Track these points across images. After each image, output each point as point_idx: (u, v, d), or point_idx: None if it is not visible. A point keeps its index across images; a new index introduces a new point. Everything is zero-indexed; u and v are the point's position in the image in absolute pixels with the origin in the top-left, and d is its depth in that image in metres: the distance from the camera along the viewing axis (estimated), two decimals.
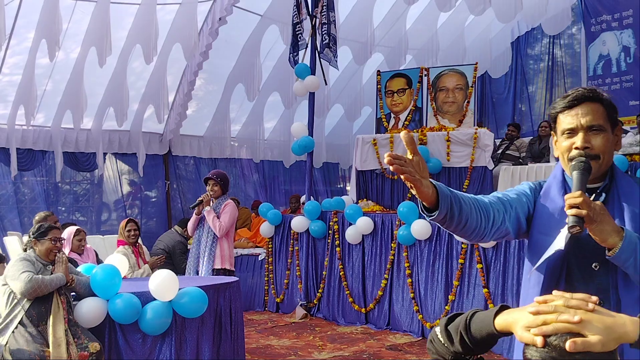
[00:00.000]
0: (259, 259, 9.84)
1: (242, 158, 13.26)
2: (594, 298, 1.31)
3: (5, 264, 5.75)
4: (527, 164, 9.33)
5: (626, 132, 9.16)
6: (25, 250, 5.01)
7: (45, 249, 4.83)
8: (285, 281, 9.36)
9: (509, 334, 1.41)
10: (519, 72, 14.59)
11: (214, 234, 7.02)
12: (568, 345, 1.25)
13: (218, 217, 7.03)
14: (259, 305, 9.65)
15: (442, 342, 1.51)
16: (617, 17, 12.90)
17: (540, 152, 10.29)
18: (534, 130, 12.31)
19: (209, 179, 7.23)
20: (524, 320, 1.35)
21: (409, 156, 1.91)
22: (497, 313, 1.43)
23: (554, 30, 13.59)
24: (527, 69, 14.71)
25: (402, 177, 1.86)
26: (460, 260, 7.42)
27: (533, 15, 13.15)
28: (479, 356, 1.51)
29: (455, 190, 2.11)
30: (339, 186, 14.65)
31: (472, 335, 1.46)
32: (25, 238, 5.18)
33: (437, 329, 1.54)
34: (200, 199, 7.11)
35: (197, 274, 7.09)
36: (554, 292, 1.37)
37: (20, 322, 4.57)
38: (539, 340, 1.30)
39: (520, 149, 10.74)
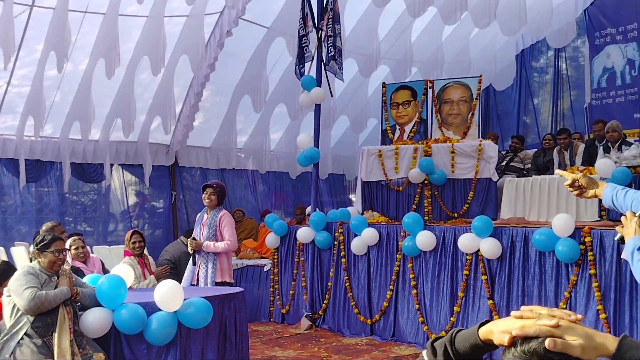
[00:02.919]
0: (265, 270, 9.82)
1: (248, 169, 13.26)
2: (579, 316, 1.30)
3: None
4: (531, 176, 9.29)
5: (630, 144, 9.12)
6: (31, 260, 4.99)
7: (48, 261, 4.78)
8: (291, 292, 9.32)
9: (494, 345, 1.38)
10: (523, 85, 14.62)
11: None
12: (547, 342, 1.24)
13: (221, 232, 7.01)
14: (264, 316, 9.62)
15: None
16: (621, 31, 12.91)
17: (544, 165, 10.26)
18: (538, 142, 12.25)
19: (209, 186, 7.18)
20: (505, 324, 1.33)
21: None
22: (482, 324, 1.40)
23: (558, 43, 13.60)
24: (531, 82, 14.73)
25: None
26: (465, 272, 7.40)
27: (538, 28, 13.16)
28: None
29: None
30: (344, 197, 14.62)
31: (456, 347, 1.43)
32: (32, 249, 5.15)
33: (423, 353, 1.50)
34: (191, 251, 7.11)
35: (192, 282, 7.06)
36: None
37: (26, 334, 4.53)
38: (506, 339, 1.29)
39: (524, 161, 10.72)
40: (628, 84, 12.76)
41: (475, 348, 1.41)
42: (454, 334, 1.45)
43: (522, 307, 1.35)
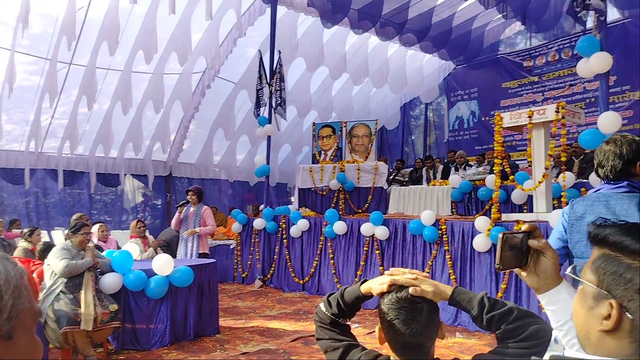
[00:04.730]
0: (231, 247, 9.71)
1: (221, 179, 13.11)
2: (427, 273, 1.35)
3: None
4: (408, 186, 9.50)
5: (471, 166, 9.42)
6: (65, 239, 4.84)
7: (78, 241, 4.66)
8: (249, 262, 9.24)
9: (370, 296, 1.40)
10: (405, 126, 14.89)
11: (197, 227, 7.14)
12: (411, 289, 1.28)
13: (205, 220, 7.15)
14: (230, 279, 9.50)
15: (324, 310, 1.47)
16: (467, 92, 13.37)
17: (417, 179, 10.49)
18: (413, 164, 12.53)
19: (189, 190, 7.37)
20: (381, 279, 1.35)
21: None
22: (362, 282, 1.42)
23: (427, 99, 14.02)
24: (410, 124, 15.03)
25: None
26: (365, 248, 7.49)
27: (414, 89, 13.57)
28: (348, 320, 1.48)
29: None
30: (286, 199, 14.59)
31: (345, 299, 1.44)
32: (66, 231, 5.00)
33: (321, 303, 1.50)
34: (184, 202, 7.24)
35: (186, 256, 7.04)
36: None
37: (61, 291, 4.43)
38: (385, 286, 1.31)
39: (404, 176, 10.93)
40: (471, 127, 13.20)
41: (357, 299, 1.43)
42: (343, 290, 1.46)
43: (391, 268, 1.39)
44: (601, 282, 0.85)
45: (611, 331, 0.83)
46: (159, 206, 12.25)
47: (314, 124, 10.17)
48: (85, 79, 9.19)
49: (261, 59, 9.39)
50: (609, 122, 5.06)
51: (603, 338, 0.84)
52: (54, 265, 4.43)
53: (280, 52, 9.38)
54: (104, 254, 5.19)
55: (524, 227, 1.22)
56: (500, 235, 1.15)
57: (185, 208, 7.24)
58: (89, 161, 10.63)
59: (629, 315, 0.81)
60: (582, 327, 0.89)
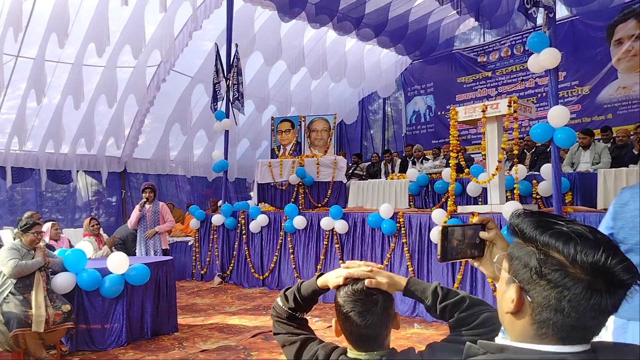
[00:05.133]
0: (189, 244, 9.57)
1: (178, 174, 12.87)
2: (382, 265, 1.39)
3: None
4: (367, 180, 9.58)
5: (428, 160, 9.58)
6: (14, 239, 4.66)
7: (29, 240, 4.50)
8: (207, 259, 9.14)
9: (327, 289, 1.41)
10: (364, 120, 14.97)
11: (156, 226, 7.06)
12: (366, 282, 1.30)
13: (163, 217, 7.17)
14: (189, 276, 9.37)
15: (281, 304, 1.48)
16: (423, 87, 13.57)
17: (374, 172, 10.60)
18: (370, 158, 12.66)
19: (146, 188, 7.29)
20: (337, 272, 1.37)
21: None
22: (319, 276, 1.44)
23: (385, 94, 14.14)
24: (369, 118, 15.13)
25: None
26: (325, 242, 7.52)
27: (372, 84, 13.67)
28: (305, 314, 1.50)
29: None
30: (245, 194, 14.47)
31: (302, 293, 1.45)
32: (15, 230, 4.81)
33: (278, 298, 1.51)
34: (144, 201, 7.16)
35: (148, 254, 6.93)
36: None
37: (10, 292, 4.27)
38: (341, 280, 1.33)
39: (363, 170, 11.03)
40: (428, 121, 13.42)
41: (314, 292, 1.44)
42: (299, 284, 1.47)
43: (347, 261, 1.40)
44: (510, 267, 0.91)
45: (515, 313, 0.89)
46: (113, 203, 11.93)
47: (272, 118, 10.11)
48: (34, 72, 8.85)
49: (218, 52, 9.26)
50: (558, 116, 5.24)
51: (512, 321, 0.90)
52: (2, 265, 4.28)
53: (237, 46, 9.27)
54: (56, 253, 5.03)
55: (475, 220, 1.26)
56: (440, 229, 1.18)
57: (140, 205, 7.12)
58: (38, 157, 10.25)
59: (528, 298, 0.86)
60: (500, 311, 0.95)
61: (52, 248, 5.34)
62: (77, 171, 10.96)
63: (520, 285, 0.88)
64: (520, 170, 6.50)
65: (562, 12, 9.43)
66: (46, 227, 6.14)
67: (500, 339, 0.92)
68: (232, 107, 9.31)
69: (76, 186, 11.10)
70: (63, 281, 4.68)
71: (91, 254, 6.12)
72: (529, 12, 5.50)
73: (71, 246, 6.39)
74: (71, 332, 4.65)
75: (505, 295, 0.91)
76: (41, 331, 4.21)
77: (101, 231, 6.91)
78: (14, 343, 4.13)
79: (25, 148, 10.02)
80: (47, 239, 6.00)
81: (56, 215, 10.78)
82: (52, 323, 4.31)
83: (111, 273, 4.95)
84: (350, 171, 10.77)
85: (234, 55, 9.20)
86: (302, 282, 1.47)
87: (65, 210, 11.18)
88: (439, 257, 1.19)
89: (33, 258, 4.43)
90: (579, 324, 0.83)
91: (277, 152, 9.76)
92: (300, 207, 8.56)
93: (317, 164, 9.09)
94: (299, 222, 7.79)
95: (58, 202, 11.19)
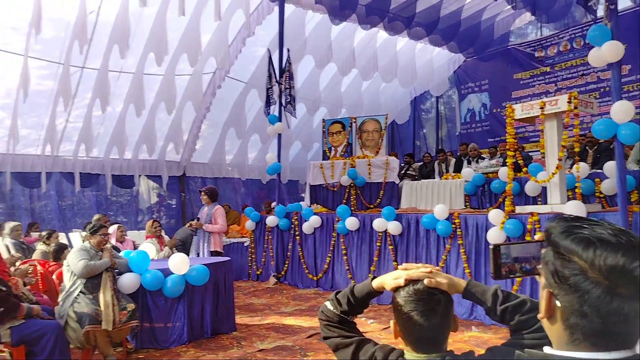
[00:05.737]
0: (245, 245, 9.76)
1: (233, 177, 13.17)
2: (438, 268, 1.38)
3: (69, 249, 5.61)
4: (420, 180, 9.46)
5: (484, 158, 9.35)
6: (83, 241, 4.91)
7: (97, 242, 4.73)
8: (263, 260, 9.30)
9: (381, 292, 1.41)
10: (416, 120, 14.80)
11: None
12: (426, 281, 1.29)
13: (215, 219, 7.22)
14: (245, 276, 9.56)
15: (331, 308, 1.47)
16: (477, 84, 13.27)
17: (427, 172, 10.44)
18: (422, 158, 12.48)
19: (201, 191, 7.56)
20: (394, 274, 1.37)
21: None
22: (373, 278, 1.44)
23: (437, 92, 13.93)
24: (421, 118, 14.94)
25: None
26: (378, 244, 7.49)
27: (424, 82, 13.48)
28: (356, 317, 1.49)
29: None
30: (298, 195, 14.60)
31: (355, 295, 1.45)
32: (84, 233, 5.08)
33: (327, 302, 1.51)
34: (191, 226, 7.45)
35: (198, 255, 7.12)
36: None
37: (81, 291, 4.49)
38: (402, 280, 1.32)
39: (415, 170, 10.89)
40: (483, 119, 13.11)
41: (368, 294, 1.44)
42: (352, 287, 1.47)
43: (404, 264, 1.40)
44: (545, 273, 0.91)
45: (549, 318, 0.89)
46: (173, 206, 12.35)
47: (323, 120, 10.16)
48: (98, 82, 9.28)
49: (270, 57, 9.42)
50: (622, 111, 5.01)
51: (548, 326, 0.91)
52: (73, 266, 4.50)
53: (289, 50, 9.39)
54: (121, 254, 5.26)
55: (537, 237, 1.23)
56: (491, 247, 1.16)
57: (201, 209, 7.37)
58: (104, 163, 10.73)
59: (557, 303, 0.87)
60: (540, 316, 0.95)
61: (117, 249, 5.59)
62: (140, 176, 11.39)
63: (550, 290, 0.88)
64: (582, 169, 6.23)
65: (624, 2, 8.96)
66: (112, 229, 6.43)
67: (548, 348, 0.91)
68: (284, 110, 9.45)
69: (139, 190, 11.54)
70: (128, 281, 4.89)
71: (154, 255, 6.36)
72: (589, 4, 5.28)
73: (135, 248, 6.67)
74: (136, 330, 4.86)
75: (541, 301, 0.91)
76: (110, 329, 4.42)
77: (162, 233, 7.16)
78: (85, 340, 4.34)
79: (91, 154, 10.51)
80: (113, 240, 6.28)
81: (120, 218, 11.27)
82: (119, 321, 4.52)
83: (173, 273, 5.13)
84: (403, 172, 10.66)
85: (286, 59, 9.33)
86: (355, 284, 1.47)
87: (128, 213, 11.66)
88: (492, 275, 1.16)
89: (101, 259, 4.65)
90: (605, 329, 0.82)
91: (328, 154, 9.80)
92: (352, 209, 8.55)
93: (369, 164, 9.04)
94: (352, 223, 7.79)
95: (122, 206, 11.68)
